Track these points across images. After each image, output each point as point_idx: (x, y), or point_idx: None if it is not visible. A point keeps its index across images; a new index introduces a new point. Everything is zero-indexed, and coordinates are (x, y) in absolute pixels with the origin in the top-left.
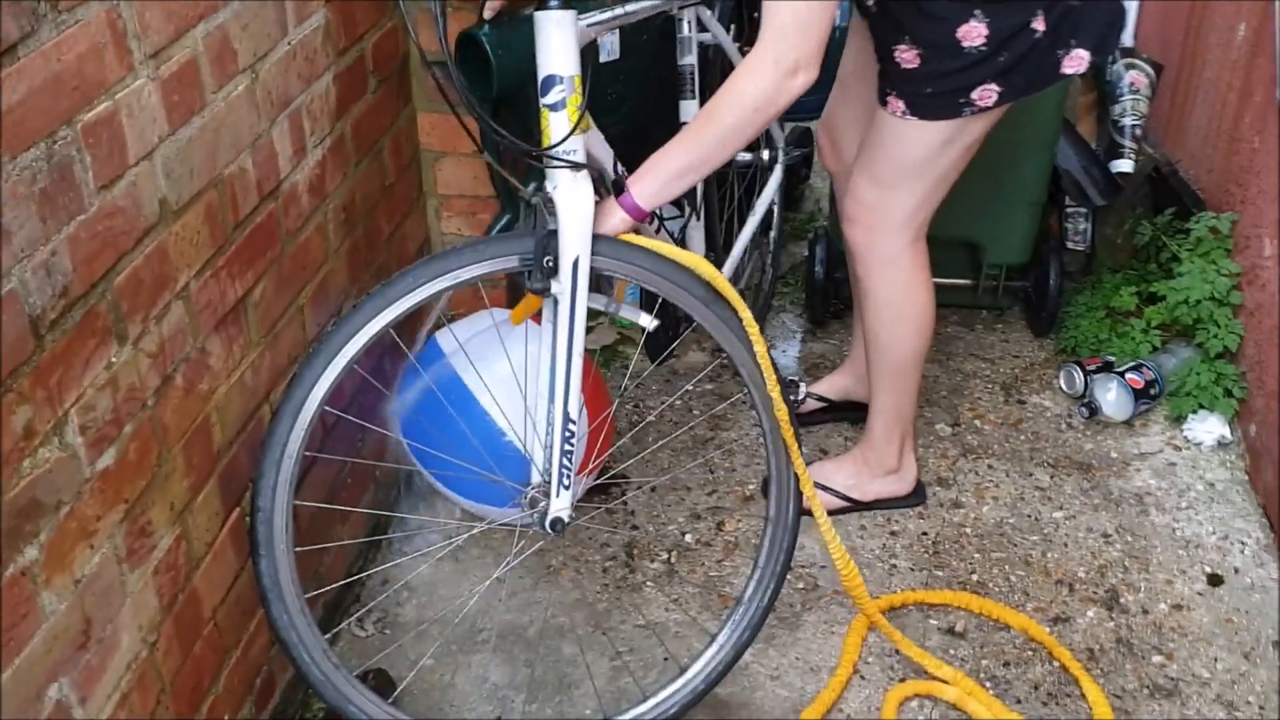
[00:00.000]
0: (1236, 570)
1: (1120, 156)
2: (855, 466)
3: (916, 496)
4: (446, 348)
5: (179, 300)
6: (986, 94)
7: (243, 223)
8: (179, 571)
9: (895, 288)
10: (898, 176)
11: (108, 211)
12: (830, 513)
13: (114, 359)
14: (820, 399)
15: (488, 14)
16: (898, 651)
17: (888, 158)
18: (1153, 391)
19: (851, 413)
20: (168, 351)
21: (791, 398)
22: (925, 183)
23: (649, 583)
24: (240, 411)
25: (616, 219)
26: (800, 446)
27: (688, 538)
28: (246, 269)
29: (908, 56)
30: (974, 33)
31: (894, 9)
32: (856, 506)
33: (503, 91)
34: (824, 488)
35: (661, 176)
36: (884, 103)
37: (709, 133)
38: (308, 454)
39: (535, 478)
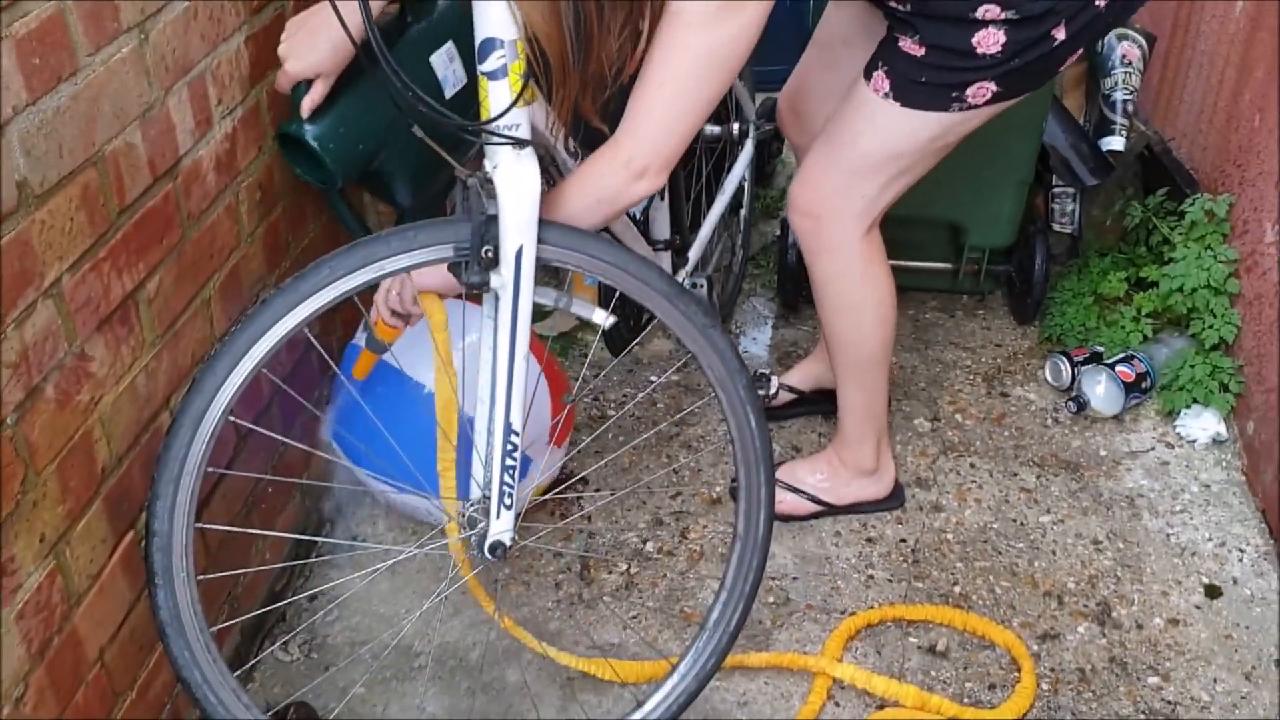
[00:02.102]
0: (1235, 580)
1: (1111, 133)
2: (829, 467)
3: (894, 499)
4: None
5: (47, 299)
6: (982, 91)
7: (131, 206)
8: (53, 612)
9: (851, 280)
10: (860, 166)
11: None
12: (803, 517)
13: None
14: (792, 390)
15: (306, 111)
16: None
17: (855, 144)
18: (1144, 385)
19: (825, 404)
20: (33, 359)
21: (762, 392)
22: (888, 176)
23: (606, 598)
24: (132, 422)
25: None
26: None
27: (649, 546)
28: (137, 259)
29: (913, 47)
30: (991, 40)
31: (903, 10)
32: (831, 510)
33: (350, 177)
34: (796, 490)
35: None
36: (869, 77)
37: (559, 210)
38: (212, 470)
39: (474, 493)
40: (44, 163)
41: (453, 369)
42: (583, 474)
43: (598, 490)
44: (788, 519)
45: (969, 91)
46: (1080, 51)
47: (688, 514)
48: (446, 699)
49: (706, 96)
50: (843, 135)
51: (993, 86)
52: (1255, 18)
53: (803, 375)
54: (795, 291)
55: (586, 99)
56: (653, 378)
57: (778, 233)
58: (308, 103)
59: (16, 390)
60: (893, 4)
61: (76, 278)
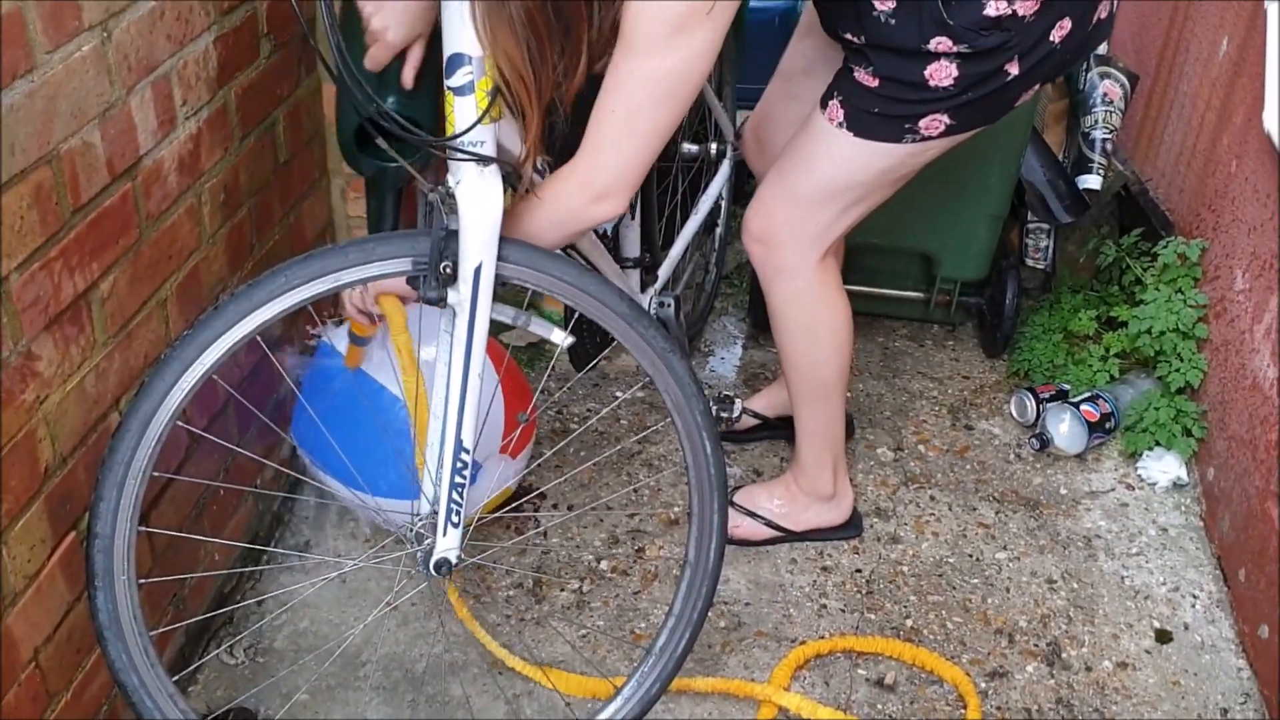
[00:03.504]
0: (1186, 626)
1: (1089, 172)
2: (787, 493)
3: (852, 527)
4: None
5: None
6: (935, 124)
7: (86, 206)
8: None
9: (804, 306)
10: (814, 195)
11: None
12: (760, 542)
13: None
14: (756, 415)
15: (411, 78)
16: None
17: (810, 171)
18: (1108, 425)
19: (788, 430)
20: None
21: (725, 414)
22: (842, 205)
23: (556, 615)
24: (79, 422)
25: None
26: (727, 470)
27: (603, 564)
28: (91, 259)
29: (866, 78)
30: (943, 73)
31: (857, 42)
32: (789, 536)
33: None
34: (753, 514)
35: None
36: (824, 106)
37: (520, 229)
38: (159, 474)
39: (424, 507)
40: None
41: (416, 371)
42: (541, 489)
43: (554, 506)
44: (744, 543)
45: (921, 124)
46: (1036, 87)
47: (645, 533)
48: (389, 709)
49: (663, 122)
50: (797, 163)
51: (946, 119)
52: (1238, 61)
53: (768, 401)
54: (766, 313)
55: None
56: (618, 393)
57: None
58: (411, 70)
59: None
60: (847, 35)
61: (25, 276)
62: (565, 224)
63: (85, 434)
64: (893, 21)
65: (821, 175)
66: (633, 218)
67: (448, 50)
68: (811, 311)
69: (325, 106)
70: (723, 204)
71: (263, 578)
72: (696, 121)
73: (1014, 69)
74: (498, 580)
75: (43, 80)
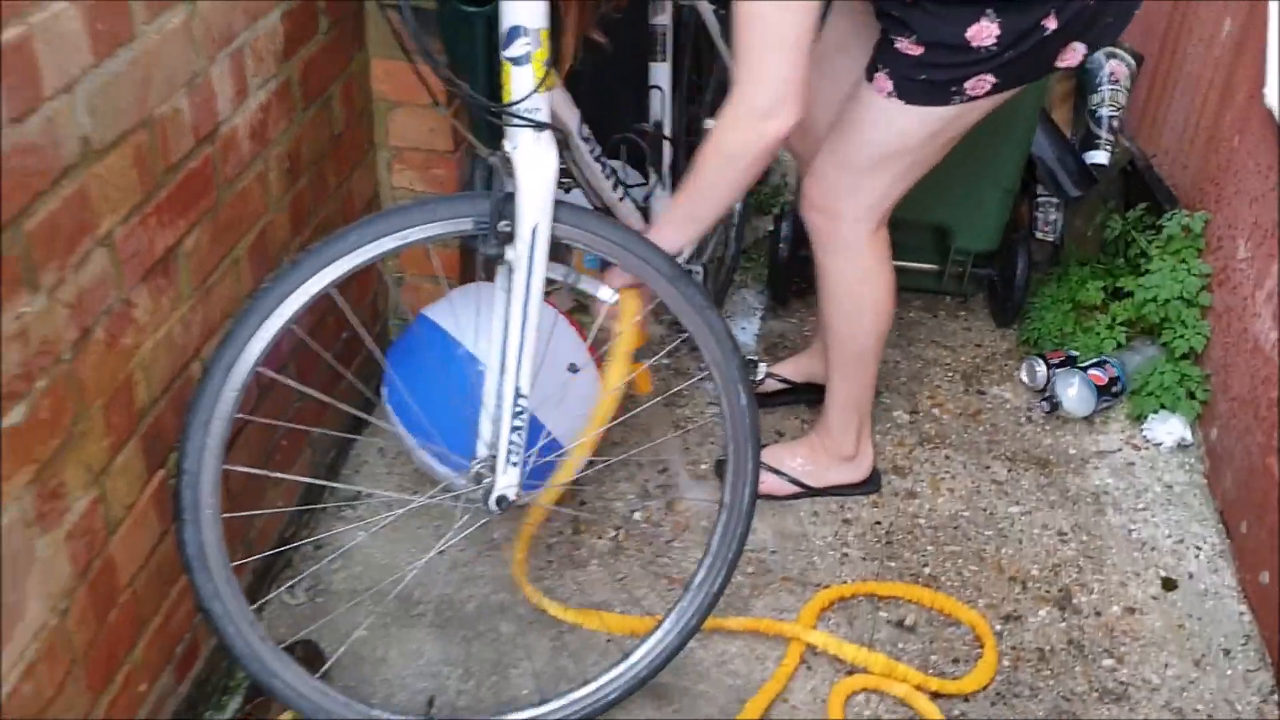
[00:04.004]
0: (1191, 575)
1: (1096, 148)
2: (810, 452)
3: (871, 484)
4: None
5: (102, 248)
6: (980, 84)
7: (175, 167)
8: (95, 537)
9: (855, 276)
10: (870, 162)
11: (19, 149)
12: (783, 498)
13: (25, 309)
14: (783, 380)
15: None
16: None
17: (863, 141)
18: (1115, 389)
19: (811, 394)
20: (87, 303)
21: (751, 378)
22: (897, 171)
23: (594, 560)
24: (167, 368)
25: None
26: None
27: (636, 516)
28: (178, 217)
29: (910, 47)
30: (985, 33)
31: (897, 8)
32: (810, 492)
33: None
34: (777, 472)
35: (675, 224)
36: (870, 78)
37: (695, 186)
38: (239, 416)
39: (481, 451)
40: (103, 121)
41: (626, 363)
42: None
43: (590, 464)
44: (769, 498)
45: (967, 85)
46: (1078, 59)
47: (674, 488)
48: (443, 645)
49: (795, 26)
50: (851, 134)
51: (991, 78)
52: (1240, 41)
53: (795, 368)
54: (784, 285)
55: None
56: (645, 361)
57: (770, 228)
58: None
59: (72, 329)
60: (886, 5)
61: (127, 229)
62: (741, 156)
63: (171, 381)
64: None
65: (875, 144)
66: (664, 189)
67: (506, 23)
68: (860, 281)
69: (374, 82)
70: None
71: (321, 521)
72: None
73: (1051, 24)
74: (540, 528)
75: (141, 49)
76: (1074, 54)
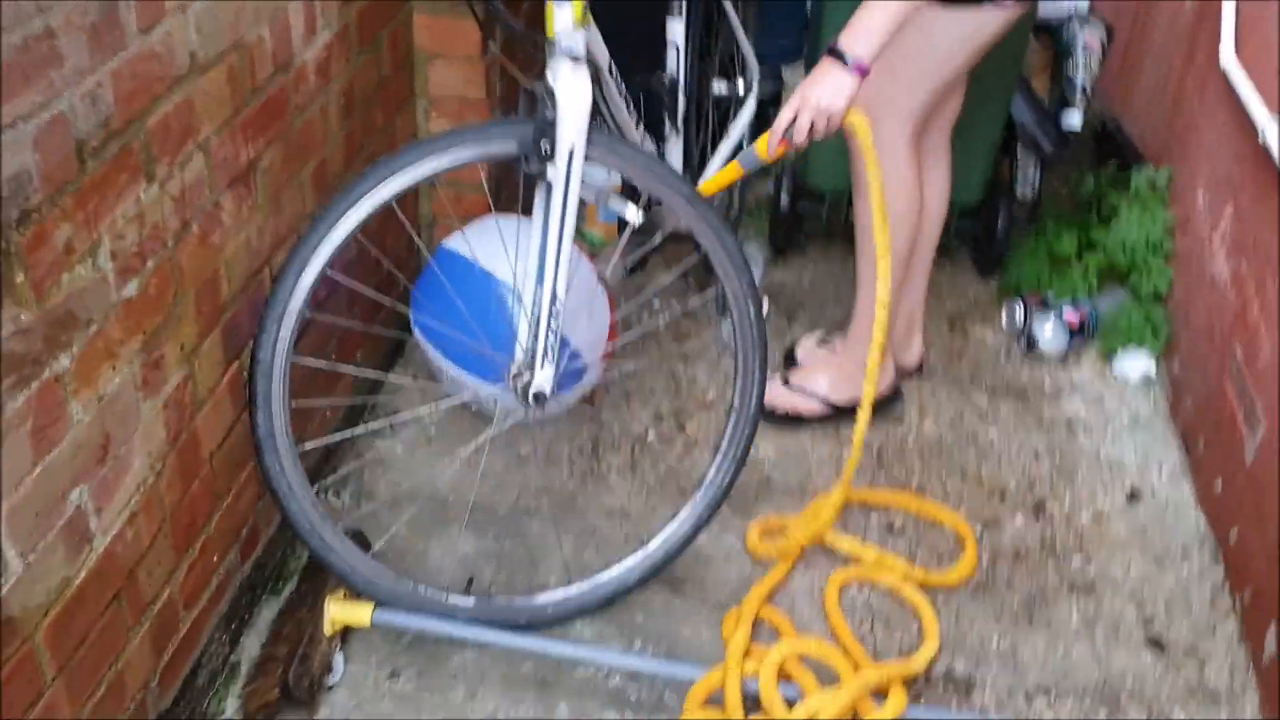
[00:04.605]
0: (1153, 490)
1: (1071, 110)
2: (837, 369)
3: (895, 400)
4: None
5: (200, 152)
6: None
7: (258, 89)
8: (184, 410)
9: (890, 179)
10: (907, 67)
11: (145, 55)
12: (808, 419)
13: (142, 195)
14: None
15: None
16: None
17: (901, 44)
18: (1087, 330)
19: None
20: (188, 198)
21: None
22: (932, 76)
23: (613, 473)
24: (245, 270)
25: (845, 81)
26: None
27: (650, 435)
28: (259, 135)
29: None
30: None
31: None
32: (837, 412)
33: None
34: (805, 392)
35: (875, 33)
36: None
37: (860, 24)
38: (307, 315)
39: (519, 355)
40: (208, 40)
41: (877, 167)
42: None
43: (607, 390)
44: (796, 417)
45: None
46: None
47: (685, 412)
48: (478, 542)
49: None
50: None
51: None
52: (1201, 12)
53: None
54: (785, 238)
55: None
56: (657, 303)
57: (770, 190)
58: None
59: (175, 220)
60: None
61: (220, 139)
62: None
63: (246, 282)
64: None
65: (913, 47)
66: (677, 135)
67: None
68: (894, 185)
69: (416, 34)
70: (744, 144)
71: (364, 426)
72: (728, 60)
73: None
74: (561, 447)
75: None
76: None
